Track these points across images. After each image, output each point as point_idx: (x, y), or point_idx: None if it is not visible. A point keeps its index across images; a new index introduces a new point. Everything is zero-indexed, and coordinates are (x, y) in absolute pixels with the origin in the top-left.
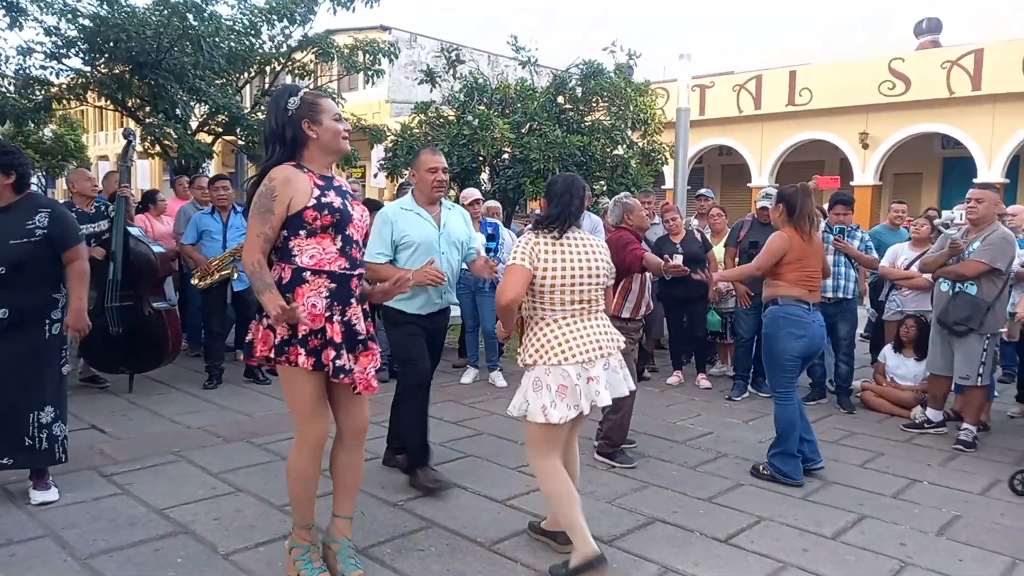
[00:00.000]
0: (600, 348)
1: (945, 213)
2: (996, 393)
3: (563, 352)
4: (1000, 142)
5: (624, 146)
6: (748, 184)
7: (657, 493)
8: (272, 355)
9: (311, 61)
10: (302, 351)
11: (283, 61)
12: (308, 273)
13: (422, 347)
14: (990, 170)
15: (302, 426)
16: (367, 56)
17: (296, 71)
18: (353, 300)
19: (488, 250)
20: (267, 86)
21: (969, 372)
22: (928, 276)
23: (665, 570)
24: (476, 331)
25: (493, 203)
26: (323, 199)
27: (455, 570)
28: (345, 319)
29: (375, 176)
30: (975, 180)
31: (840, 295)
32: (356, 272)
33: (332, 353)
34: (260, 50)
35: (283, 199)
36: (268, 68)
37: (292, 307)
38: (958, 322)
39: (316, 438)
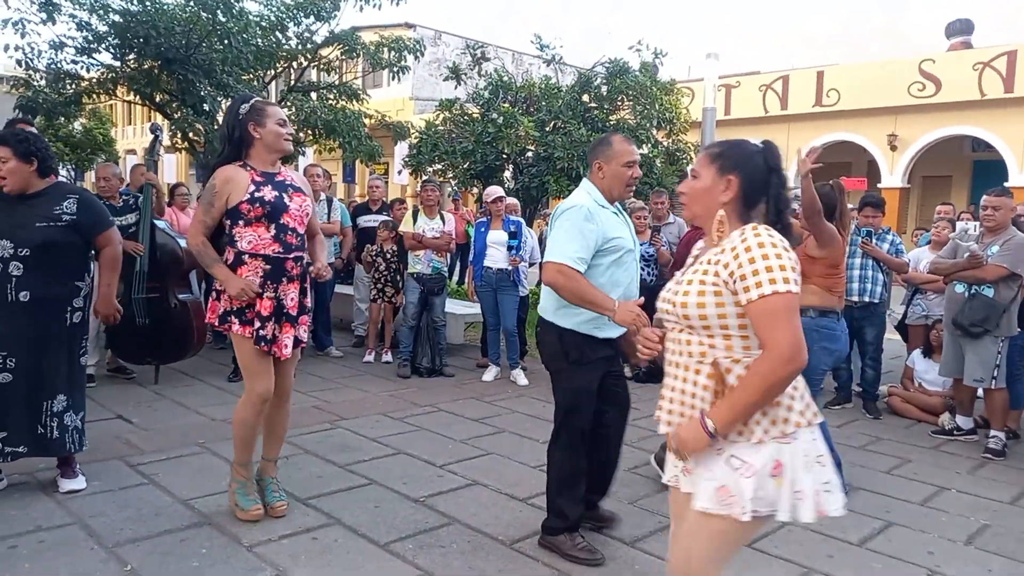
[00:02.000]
0: None
1: (959, 225)
2: None
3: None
4: None
5: (649, 145)
6: None
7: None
8: (216, 323)
9: (337, 57)
10: (236, 321)
11: (309, 57)
12: (246, 256)
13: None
14: (1022, 173)
15: (249, 382)
16: (392, 53)
17: (322, 67)
18: (285, 279)
19: (510, 248)
20: (293, 82)
21: (984, 375)
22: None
23: None
24: (497, 329)
25: (513, 201)
26: (257, 194)
27: (477, 567)
28: (276, 296)
29: (399, 173)
30: (1006, 183)
31: (867, 299)
32: (291, 255)
33: (257, 324)
34: (287, 46)
35: (222, 195)
36: (294, 64)
37: (247, 280)
38: (975, 323)
39: (259, 394)
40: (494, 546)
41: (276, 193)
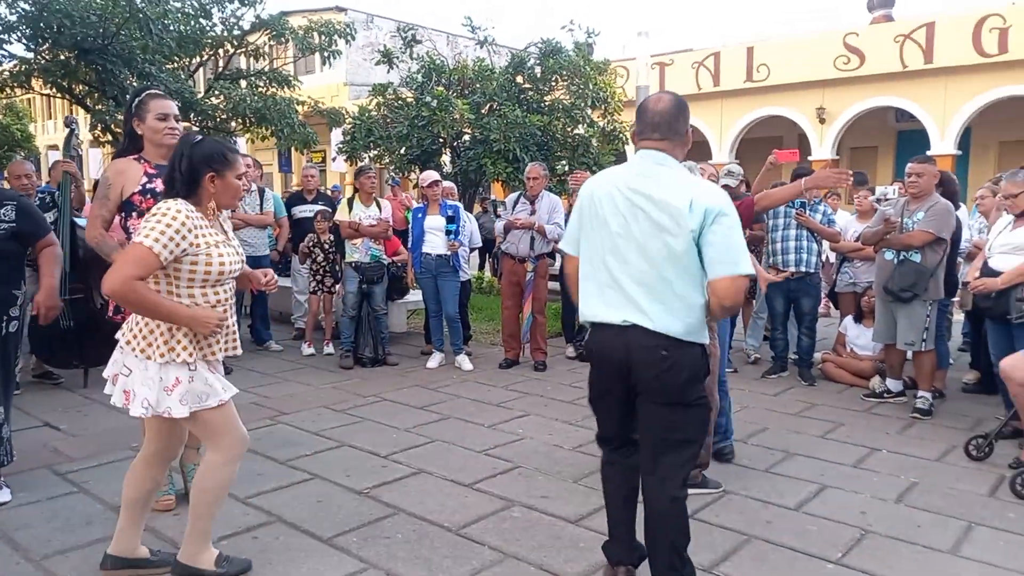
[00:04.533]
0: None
1: (879, 189)
2: (952, 361)
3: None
4: (951, 114)
5: (585, 125)
6: (710, 161)
7: None
8: (111, 312)
9: (265, 43)
10: None
11: (236, 43)
12: None
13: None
14: (943, 142)
15: None
16: (322, 38)
17: (250, 53)
18: None
19: (448, 232)
20: (220, 69)
21: (914, 338)
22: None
23: None
24: (440, 316)
25: (449, 185)
26: (148, 186)
27: (422, 556)
28: None
29: (334, 160)
30: (928, 152)
31: (803, 269)
32: None
33: None
34: (212, 32)
35: (116, 187)
36: (221, 51)
37: None
38: (904, 289)
39: None
40: (440, 533)
41: None
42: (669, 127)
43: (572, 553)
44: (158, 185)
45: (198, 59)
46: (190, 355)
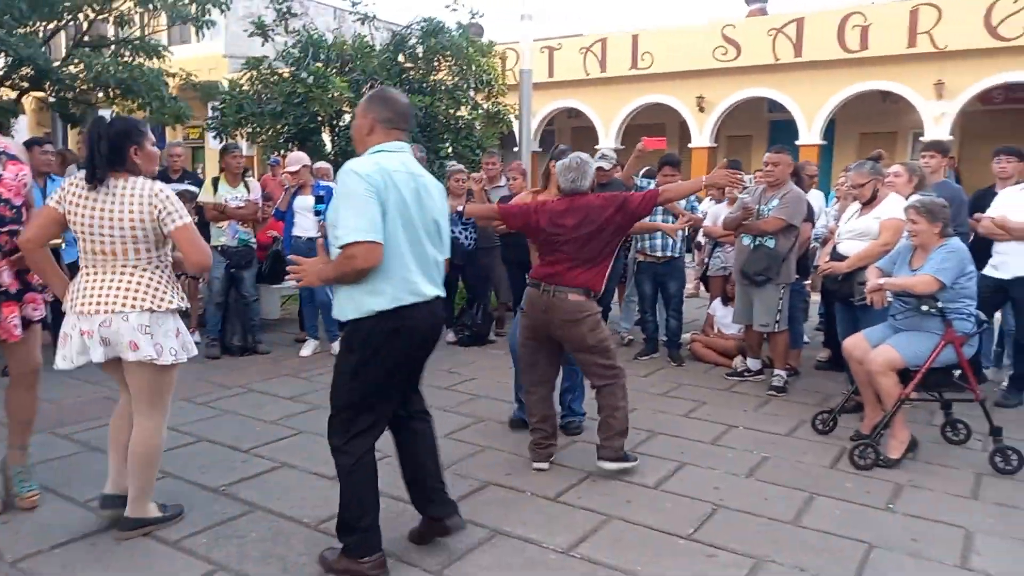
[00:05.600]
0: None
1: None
2: (808, 340)
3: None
4: (818, 106)
5: (468, 107)
6: (596, 146)
7: (493, 456)
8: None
9: (131, 10)
10: None
11: (97, 8)
12: None
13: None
14: (810, 132)
15: None
16: (196, 6)
17: (116, 20)
18: None
19: (317, 213)
20: (80, 36)
21: (768, 320)
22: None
23: (494, 532)
24: (313, 302)
25: (323, 165)
26: None
27: (276, 554)
28: None
29: (214, 137)
30: (796, 142)
31: (669, 254)
32: (3, 228)
33: None
34: None
35: None
36: (81, 16)
37: None
38: (758, 273)
39: None
40: (297, 529)
41: None
42: (410, 121)
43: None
44: None
45: (55, 24)
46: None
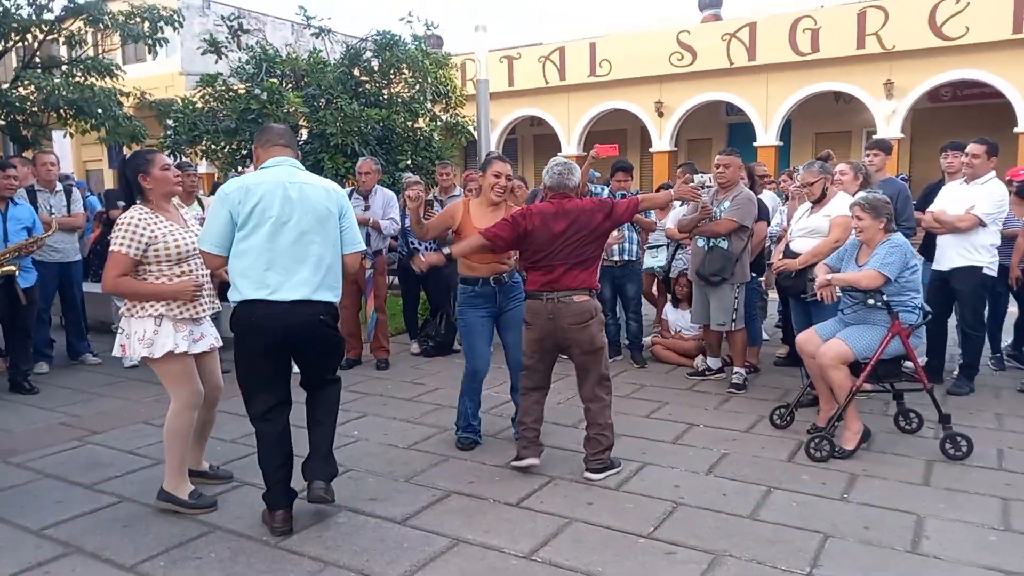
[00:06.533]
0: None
1: (697, 178)
2: (767, 337)
3: None
4: (774, 108)
5: (426, 119)
6: (560, 153)
7: (455, 465)
8: None
9: (81, 30)
10: None
11: (46, 29)
12: None
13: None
14: (767, 134)
15: None
16: (147, 24)
17: (65, 41)
18: None
19: None
20: (29, 57)
21: (725, 319)
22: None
23: (456, 541)
24: None
25: None
26: None
27: (236, 574)
28: None
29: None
30: (755, 144)
31: (626, 258)
32: None
33: None
34: (16, 16)
35: None
36: (29, 37)
37: None
38: (714, 273)
39: None
40: (257, 548)
41: None
42: (292, 139)
43: (396, 554)
44: None
45: (2, 45)
46: (158, 313)
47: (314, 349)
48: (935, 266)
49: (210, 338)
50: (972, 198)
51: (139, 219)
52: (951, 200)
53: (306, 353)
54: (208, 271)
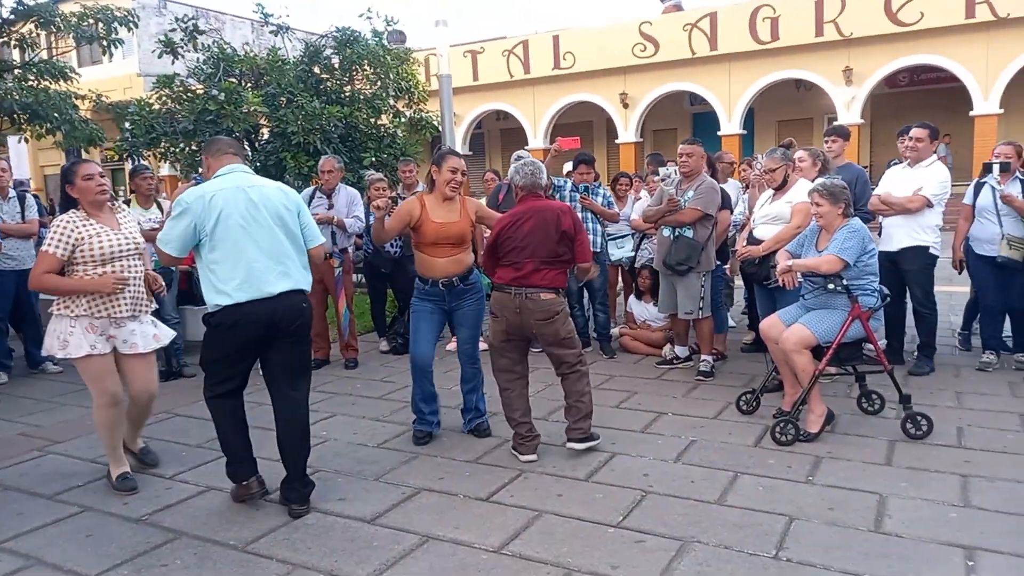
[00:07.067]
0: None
1: (662, 170)
2: (733, 324)
3: None
4: (736, 97)
5: (390, 115)
6: (526, 147)
7: (425, 462)
8: None
9: (32, 32)
10: None
11: None
12: None
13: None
14: (730, 123)
15: None
16: (101, 25)
17: (16, 43)
18: None
19: None
20: None
21: (692, 307)
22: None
23: (426, 538)
24: None
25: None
26: None
27: None
28: None
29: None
30: (719, 133)
31: (592, 250)
32: None
33: None
34: None
35: None
36: None
37: None
38: (680, 262)
39: None
40: (224, 553)
41: None
42: (240, 148)
43: (365, 553)
44: None
45: None
46: (75, 314)
47: (295, 334)
48: (882, 247)
49: (141, 342)
50: (918, 180)
51: (68, 222)
52: (896, 183)
53: (287, 339)
54: (140, 275)
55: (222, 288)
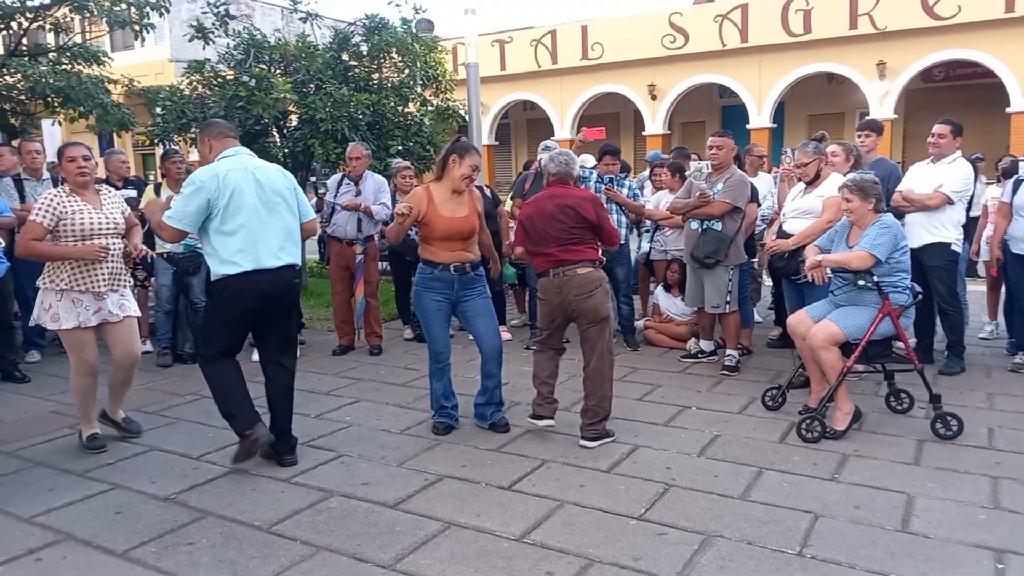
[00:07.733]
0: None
1: (693, 164)
2: (761, 319)
3: None
4: (767, 90)
5: (417, 104)
6: (553, 137)
7: (448, 449)
8: None
9: (66, 16)
10: None
11: (31, 16)
12: None
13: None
14: (759, 116)
15: None
16: (135, 10)
17: (51, 28)
18: None
19: None
20: (14, 45)
21: (719, 301)
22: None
23: (448, 525)
24: None
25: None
26: None
27: (227, 559)
28: None
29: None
30: (748, 126)
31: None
32: None
33: None
34: (1, 4)
35: None
36: (14, 25)
37: None
38: (708, 255)
39: None
40: (249, 533)
41: None
42: (237, 130)
43: (388, 538)
44: None
45: None
46: (58, 288)
47: (285, 308)
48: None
49: (119, 311)
50: (940, 177)
51: (54, 195)
52: (918, 179)
53: (279, 309)
54: (118, 252)
55: (228, 258)
